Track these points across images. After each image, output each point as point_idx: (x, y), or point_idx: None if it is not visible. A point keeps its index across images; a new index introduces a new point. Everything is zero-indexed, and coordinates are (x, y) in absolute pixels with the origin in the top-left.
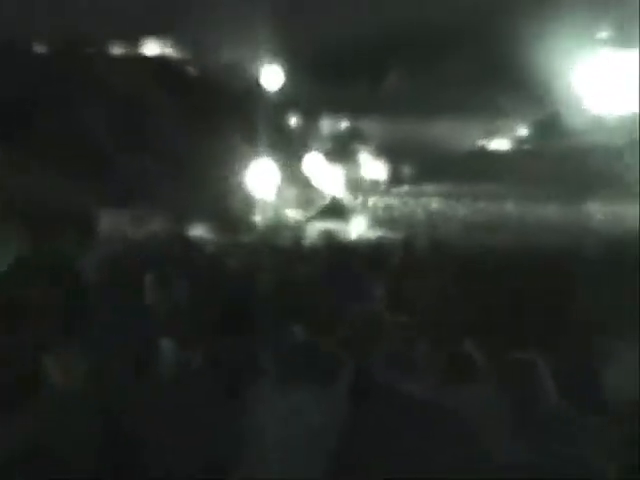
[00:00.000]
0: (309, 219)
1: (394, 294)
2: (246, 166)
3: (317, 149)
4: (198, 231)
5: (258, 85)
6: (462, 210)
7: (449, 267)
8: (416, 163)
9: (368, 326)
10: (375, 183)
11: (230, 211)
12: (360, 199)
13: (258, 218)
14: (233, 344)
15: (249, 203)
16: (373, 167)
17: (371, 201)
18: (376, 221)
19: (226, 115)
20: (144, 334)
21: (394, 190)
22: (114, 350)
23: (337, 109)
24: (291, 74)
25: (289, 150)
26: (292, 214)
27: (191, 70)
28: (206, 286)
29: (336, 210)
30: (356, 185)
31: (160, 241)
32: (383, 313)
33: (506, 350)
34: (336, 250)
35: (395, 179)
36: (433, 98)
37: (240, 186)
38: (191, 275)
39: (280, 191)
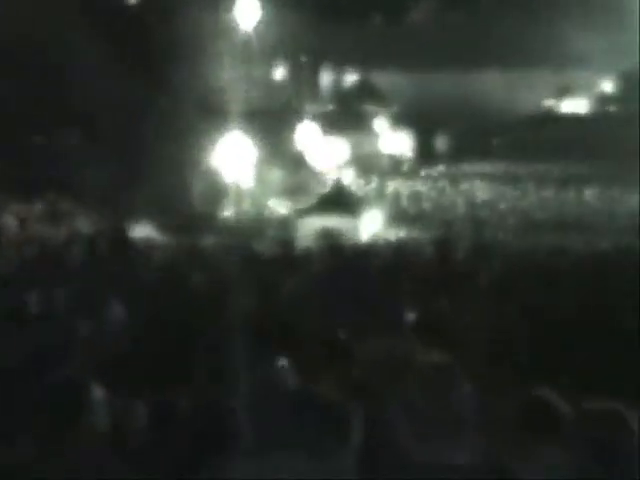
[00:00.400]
0: (302, 213)
1: (425, 318)
2: (213, 140)
3: (312, 113)
4: (143, 231)
5: (231, 21)
6: (520, 200)
7: (504, 280)
8: (454, 133)
9: (388, 364)
10: (396, 161)
11: (189, 203)
12: (375, 184)
13: (229, 213)
14: (192, 393)
15: (217, 192)
16: (393, 138)
17: (391, 186)
18: (398, 215)
19: (185, 65)
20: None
21: (424, 171)
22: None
23: (340, 56)
24: (275, 7)
25: (273, 115)
26: (277, 206)
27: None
28: (153, 309)
29: (341, 200)
30: (369, 164)
31: (86, 244)
32: (410, 345)
33: (580, 396)
34: (340, 256)
35: (425, 155)
36: (477, 41)
37: (204, 169)
38: (131, 294)
39: (260, 174)
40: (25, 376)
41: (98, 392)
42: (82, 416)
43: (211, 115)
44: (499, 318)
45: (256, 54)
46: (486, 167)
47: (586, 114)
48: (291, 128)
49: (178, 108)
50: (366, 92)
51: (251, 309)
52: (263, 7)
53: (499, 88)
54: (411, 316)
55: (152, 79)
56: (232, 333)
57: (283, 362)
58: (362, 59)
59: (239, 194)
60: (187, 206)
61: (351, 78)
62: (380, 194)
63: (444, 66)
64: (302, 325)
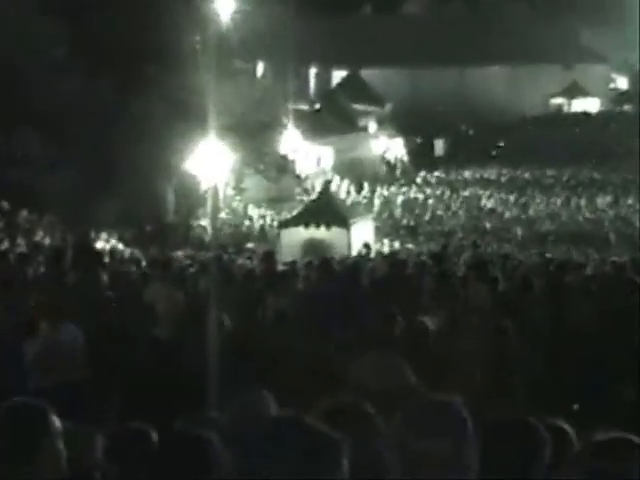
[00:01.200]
0: (286, 223)
1: (428, 351)
2: (188, 145)
3: (297, 114)
4: (110, 243)
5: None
6: (527, 208)
7: (507, 298)
8: (454, 134)
9: (380, 391)
10: (390, 166)
11: (161, 213)
12: (366, 191)
13: (205, 223)
14: (162, 420)
15: (192, 201)
16: (386, 141)
17: (384, 193)
18: (392, 225)
19: (157, 63)
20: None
21: (420, 177)
22: None
23: (327, 51)
24: None
25: (254, 117)
26: (257, 214)
27: None
28: (115, 329)
29: (328, 209)
30: (360, 169)
31: (46, 255)
32: (403, 371)
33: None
34: (328, 271)
35: (421, 159)
36: (478, 35)
37: (178, 175)
38: (96, 310)
39: (240, 181)
40: None
41: (55, 419)
42: (40, 445)
43: (186, 118)
44: (500, 340)
45: (235, 50)
46: (489, 172)
47: (598, 113)
48: (274, 130)
49: (150, 110)
50: (356, 90)
51: (230, 331)
52: None
53: (503, 85)
54: (405, 335)
55: (122, 79)
56: (209, 357)
57: (264, 391)
58: (351, 54)
59: (216, 203)
60: (159, 216)
61: (339, 75)
62: (372, 202)
63: (442, 62)
64: (287, 349)
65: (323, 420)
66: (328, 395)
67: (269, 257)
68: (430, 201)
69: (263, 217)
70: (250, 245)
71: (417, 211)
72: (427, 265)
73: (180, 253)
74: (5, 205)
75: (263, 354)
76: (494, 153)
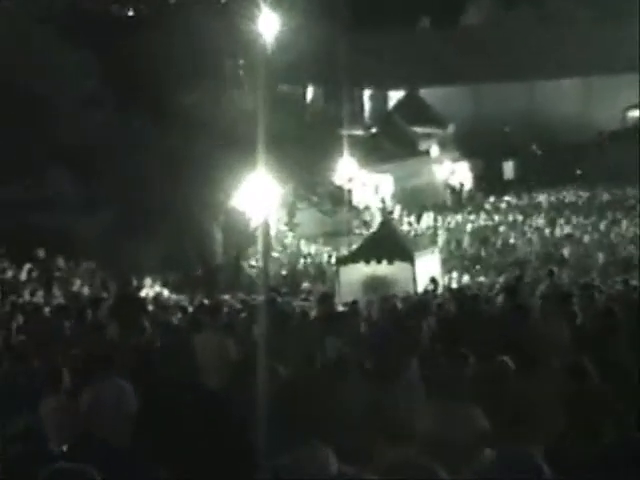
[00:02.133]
0: (344, 259)
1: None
2: (233, 178)
3: (354, 139)
4: (154, 290)
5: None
6: (608, 232)
7: (591, 336)
8: (524, 155)
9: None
10: (455, 192)
11: (207, 255)
12: (432, 219)
13: (257, 263)
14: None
15: (241, 239)
16: (450, 165)
17: (450, 222)
18: (460, 256)
19: (197, 89)
20: None
21: (490, 201)
22: None
23: (382, 70)
24: (304, 14)
25: (306, 144)
26: (314, 252)
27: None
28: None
29: (390, 242)
30: (423, 197)
31: (81, 306)
32: (479, 434)
33: None
34: (393, 312)
35: (490, 184)
36: (547, 45)
37: (224, 211)
38: (139, 364)
39: (292, 215)
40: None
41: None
42: None
43: (231, 149)
44: (578, 381)
45: (282, 74)
46: (565, 195)
47: None
48: (327, 159)
49: (191, 142)
50: (415, 111)
51: (286, 381)
52: (287, 15)
53: (576, 99)
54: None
55: (158, 109)
56: (262, 411)
57: (323, 445)
58: (408, 73)
59: (267, 241)
60: (206, 258)
61: (396, 96)
62: (437, 233)
63: (508, 76)
64: (348, 398)
65: (385, 475)
66: (390, 448)
67: (326, 298)
68: (501, 229)
69: (319, 254)
70: (306, 285)
71: (487, 240)
72: (500, 299)
73: (229, 297)
74: (40, 253)
75: (322, 405)
76: (570, 174)
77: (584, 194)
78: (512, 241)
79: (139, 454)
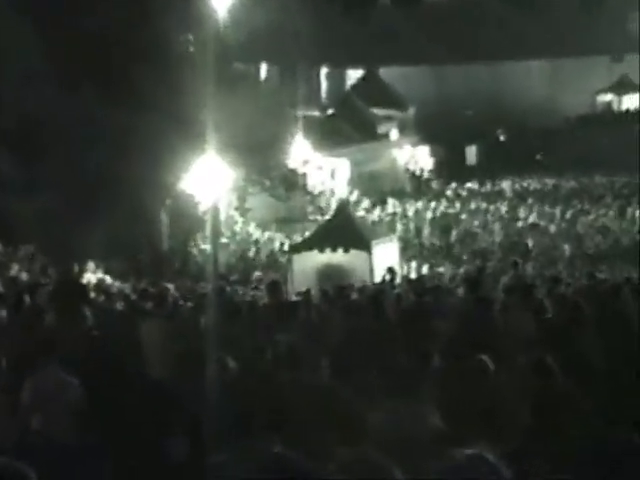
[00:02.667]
0: (297, 247)
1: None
2: (184, 160)
3: (309, 121)
4: (95, 274)
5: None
6: (574, 222)
7: (555, 330)
8: (488, 140)
9: (405, 442)
10: (416, 178)
11: (155, 240)
12: (390, 206)
13: (205, 249)
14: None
15: (190, 224)
16: (410, 149)
17: (410, 209)
18: (420, 245)
19: (149, 69)
20: None
21: (450, 189)
22: None
23: (338, 46)
24: None
25: (260, 126)
26: (264, 237)
27: None
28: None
29: (346, 229)
30: (381, 183)
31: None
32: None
33: None
34: (348, 303)
35: (452, 170)
36: (514, 26)
37: (173, 196)
38: (78, 354)
39: (244, 200)
40: None
41: None
42: None
43: (180, 130)
44: (542, 378)
45: (235, 51)
46: (530, 182)
47: None
48: (281, 141)
49: (139, 122)
50: (374, 92)
51: (235, 375)
52: None
53: (543, 83)
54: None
55: (104, 85)
56: (210, 405)
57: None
58: (368, 52)
59: (217, 226)
60: (152, 243)
61: (354, 76)
62: (396, 220)
63: (472, 57)
64: (300, 393)
65: (341, 473)
66: (346, 446)
67: (276, 286)
68: (463, 217)
69: (271, 241)
70: (257, 273)
71: (448, 229)
72: (461, 291)
73: (176, 285)
74: None
75: (272, 399)
76: (535, 160)
77: (550, 182)
78: (474, 230)
79: (84, 449)
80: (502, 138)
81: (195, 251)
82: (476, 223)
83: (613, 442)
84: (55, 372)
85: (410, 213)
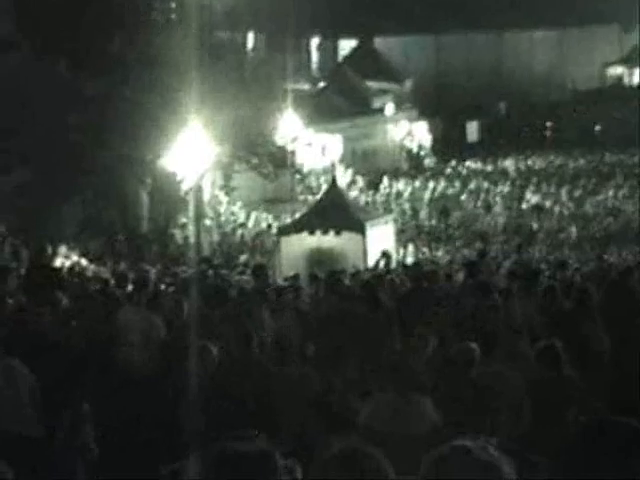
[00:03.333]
0: (286, 229)
1: (470, 383)
2: (165, 137)
3: (299, 94)
4: (68, 257)
5: None
6: (581, 203)
7: (571, 320)
8: (490, 116)
9: (396, 436)
10: (413, 156)
11: (134, 221)
12: (385, 186)
13: (187, 231)
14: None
15: (171, 204)
16: (407, 125)
17: (406, 189)
18: (417, 227)
19: (123, 36)
20: None
21: (450, 168)
22: None
23: (330, 13)
24: None
25: (245, 100)
26: (252, 220)
27: None
28: (78, 366)
29: (338, 210)
30: (376, 160)
31: None
32: (430, 428)
33: None
34: (339, 289)
35: (451, 147)
36: None
37: (153, 175)
38: (50, 344)
39: (229, 179)
40: None
41: None
42: None
43: (161, 102)
44: (549, 366)
45: (219, 18)
46: (534, 160)
47: None
48: (268, 116)
49: (116, 94)
50: (368, 63)
51: (219, 364)
52: None
53: (550, 54)
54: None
55: (80, 55)
56: (194, 397)
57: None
58: (361, 20)
59: (200, 206)
60: (130, 224)
61: (348, 46)
62: (391, 201)
63: (474, 26)
64: (289, 384)
65: (332, 466)
66: (337, 438)
67: (262, 270)
68: (463, 197)
69: (258, 222)
70: (243, 257)
71: (447, 211)
72: (461, 276)
73: (157, 269)
74: None
75: (259, 390)
76: (541, 137)
77: (556, 160)
78: (475, 212)
79: (58, 441)
80: (505, 113)
81: (177, 233)
82: (477, 204)
83: (611, 424)
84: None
85: (406, 193)
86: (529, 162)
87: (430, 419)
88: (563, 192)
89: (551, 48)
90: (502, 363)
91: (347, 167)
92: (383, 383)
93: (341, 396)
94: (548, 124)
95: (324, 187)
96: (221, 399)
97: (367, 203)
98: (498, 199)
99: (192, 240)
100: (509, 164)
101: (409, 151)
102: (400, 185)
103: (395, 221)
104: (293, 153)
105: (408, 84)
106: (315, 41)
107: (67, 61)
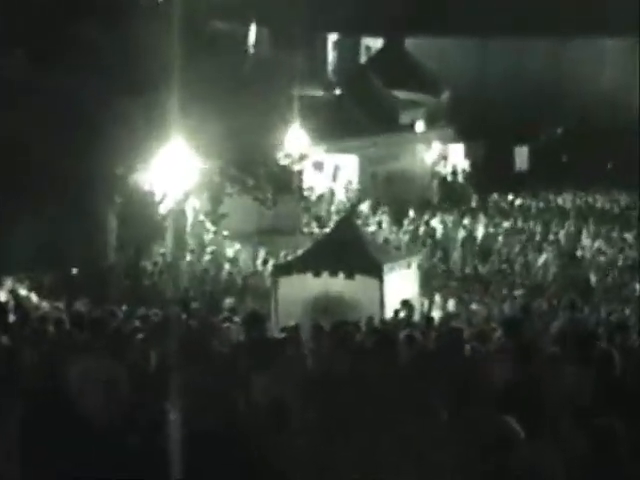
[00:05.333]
0: (286, 268)
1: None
2: (139, 149)
3: (306, 97)
4: (13, 292)
5: None
6: None
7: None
8: (544, 136)
9: None
10: (446, 184)
11: (96, 251)
12: (410, 221)
13: (163, 264)
14: None
15: (145, 230)
16: (441, 144)
17: (437, 225)
18: (449, 274)
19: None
20: None
21: (493, 200)
22: None
23: (351, 7)
24: None
25: (243, 108)
26: (243, 255)
27: None
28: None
29: (352, 246)
30: (401, 186)
31: None
32: None
33: None
34: (349, 345)
35: (496, 173)
36: None
37: (123, 193)
38: None
39: (216, 198)
40: None
41: None
42: None
43: (138, 104)
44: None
45: (216, 6)
46: (595, 198)
47: None
48: (270, 127)
49: (85, 92)
50: (397, 68)
51: (195, 433)
52: None
53: (619, 67)
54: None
55: (43, 43)
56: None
57: None
58: (390, 14)
59: (181, 235)
60: (93, 255)
61: (373, 45)
62: (417, 238)
63: (529, 28)
64: (285, 460)
65: None
66: None
67: (256, 320)
68: (506, 239)
69: (251, 258)
70: (229, 301)
71: (487, 254)
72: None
73: (122, 310)
74: None
75: (244, 466)
76: (604, 169)
77: (622, 198)
78: (521, 257)
79: None
80: (562, 138)
81: (150, 267)
82: (523, 248)
83: None
84: None
85: (437, 231)
86: (589, 199)
87: None
88: (629, 236)
89: (621, 61)
90: (546, 447)
91: (364, 195)
92: (399, 458)
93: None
94: (612, 154)
95: (335, 218)
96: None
97: (387, 241)
98: (550, 242)
99: (169, 276)
100: (564, 200)
101: (442, 179)
102: (429, 220)
103: (421, 265)
104: (299, 175)
105: (444, 96)
106: (332, 38)
107: (24, 49)
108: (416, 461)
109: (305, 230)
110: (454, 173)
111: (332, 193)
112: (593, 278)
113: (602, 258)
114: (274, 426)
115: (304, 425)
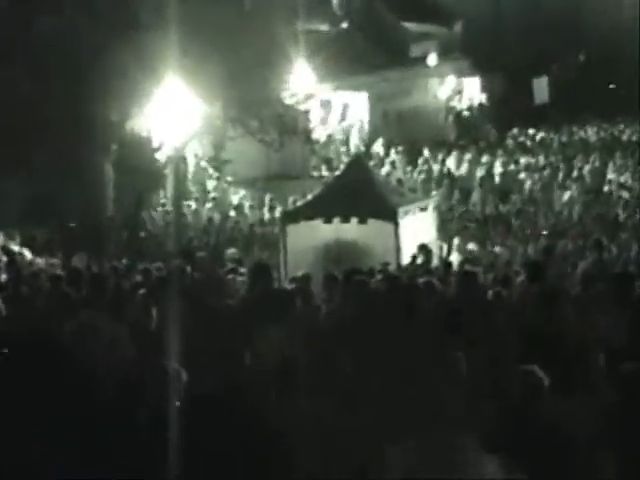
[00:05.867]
0: (294, 214)
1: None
2: (139, 88)
3: (311, 32)
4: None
5: None
6: None
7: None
8: (567, 67)
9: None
10: (463, 120)
11: (95, 200)
12: (425, 159)
13: (166, 211)
14: None
15: (139, 176)
16: (455, 77)
17: (453, 165)
18: (468, 216)
19: None
20: None
21: (512, 135)
22: None
23: None
24: None
25: (245, 43)
26: (247, 200)
27: None
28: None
29: (363, 189)
30: (414, 124)
31: None
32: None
33: None
34: (365, 293)
35: (514, 108)
36: None
37: (122, 136)
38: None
39: (218, 143)
40: None
41: None
42: None
43: (132, 45)
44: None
45: None
46: (621, 129)
47: None
48: (274, 65)
49: (73, 33)
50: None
51: (198, 395)
52: None
53: None
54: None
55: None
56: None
57: None
58: None
59: (182, 183)
60: (89, 207)
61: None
62: (433, 180)
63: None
64: (294, 418)
65: None
66: None
67: (262, 270)
68: (527, 176)
69: (257, 205)
70: (232, 251)
71: (508, 194)
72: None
73: (123, 264)
74: None
75: (249, 429)
76: (629, 99)
77: None
78: (543, 195)
79: None
80: (586, 67)
81: (150, 217)
82: (546, 186)
83: None
84: None
85: (453, 170)
86: (614, 131)
87: (478, 474)
88: None
89: None
90: (577, 398)
91: (375, 134)
92: (419, 420)
93: (363, 441)
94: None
95: (345, 160)
96: (200, 439)
97: (401, 182)
98: (574, 179)
99: (170, 228)
100: (588, 133)
101: (457, 114)
102: (445, 159)
103: (437, 207)
104: (306, 115)
105: (457, 27)
106: None
107: None
108: (435, 415)
109: (314, 174)
110: (470, 108)
111: (343, 133)
112: (621, 215)
113: (629, 193)
114: (279, 386)
115: (314, 387)
